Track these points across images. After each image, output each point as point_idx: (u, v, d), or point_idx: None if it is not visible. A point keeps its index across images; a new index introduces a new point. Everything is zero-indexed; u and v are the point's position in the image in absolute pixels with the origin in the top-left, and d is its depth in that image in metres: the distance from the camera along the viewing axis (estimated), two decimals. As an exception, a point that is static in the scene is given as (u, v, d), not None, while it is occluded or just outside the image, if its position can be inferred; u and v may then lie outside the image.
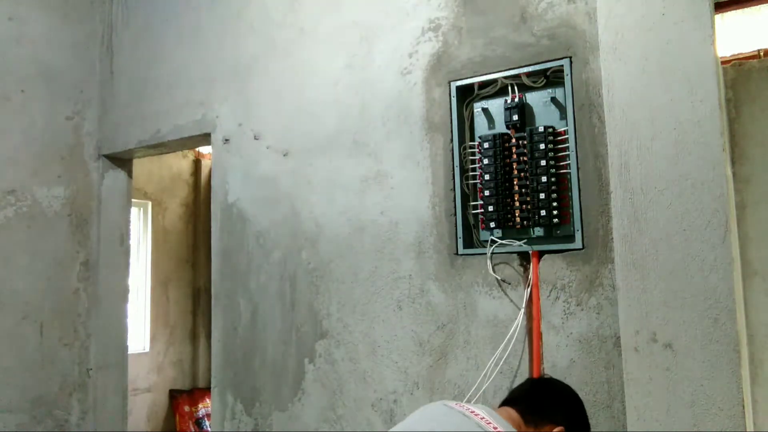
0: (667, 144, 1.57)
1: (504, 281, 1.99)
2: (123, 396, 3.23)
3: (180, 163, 5.35)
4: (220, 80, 2.78)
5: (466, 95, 2.15)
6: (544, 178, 1.92)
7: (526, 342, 1.93)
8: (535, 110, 2.02)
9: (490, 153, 2.03)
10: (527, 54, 1.99)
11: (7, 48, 2.93)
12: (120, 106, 3.17)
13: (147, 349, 4.99)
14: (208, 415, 5.03)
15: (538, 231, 1.96)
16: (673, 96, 1.57)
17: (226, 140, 2.73)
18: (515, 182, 2.00)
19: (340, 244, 2.36)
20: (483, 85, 2.11)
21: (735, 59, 2.52)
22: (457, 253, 2.08)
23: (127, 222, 3.33)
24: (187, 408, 5.10)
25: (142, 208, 5.04)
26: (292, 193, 2.51)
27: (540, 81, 2.00)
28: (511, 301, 1.97)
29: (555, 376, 1.82)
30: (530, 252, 1.93)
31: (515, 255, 1.98)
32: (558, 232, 1.93)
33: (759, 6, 2.20)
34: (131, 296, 3.46)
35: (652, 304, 1.56)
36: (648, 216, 1.58)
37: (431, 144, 2.17)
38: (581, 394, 1.75)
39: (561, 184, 1.92)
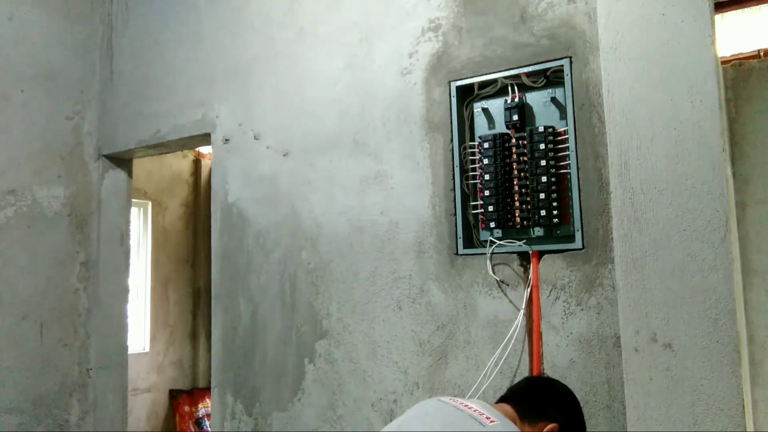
0: (667, 144, 1.57)
1: (504, 281, 1.99)
2: (123, 396, 3.23)
3: (180, 163, 5.35)
4: (220, 80, 2.78)
5: (466, 95, 2.15)
6: (544, 178, 1.92)
7: (526, 342, 1.93)
8: (535, 110, 2.02)
9: (490, 153, 2.03)
10: (527, 54, 1.99)
11: (7, 48, 2.93)
12: (120, 106, 3.17)
13: (147, 349, 4.99)
14: (208, 415, 5.03)
15: (538, 231, 1.96)
16: (673, 96, 1.57)
17: (226, 140, 2.73)
18: (515, 182, 2.00)
19: (340, 244, 2.36)
20: (483, 85, 2.11)
21: (735, 59, 2.52)
22: (457, 253, 2.08)
23: (127, 222, 3.33)
24: (187, 408, 5.10)
25: (142, 208, 5.04)
26: (292, 193, 2.51)
27: (540, 81, 2.00)
28: (511, 301, 1.97)
29: (555, 376, 1.82)
30: (530, 252, 1.93)
31: (515, 255, 1.98)
32: (558, 232, 1.93)
33: (759, 6, 2.20)
34: (131, 296, 3.46)
35: (652, 304, 1.56)
36: (648, 216, 1.58)
37: (431, 144, 2.17)
38: (581, 394, 1.76)
39: (561, 184, 1.92)
